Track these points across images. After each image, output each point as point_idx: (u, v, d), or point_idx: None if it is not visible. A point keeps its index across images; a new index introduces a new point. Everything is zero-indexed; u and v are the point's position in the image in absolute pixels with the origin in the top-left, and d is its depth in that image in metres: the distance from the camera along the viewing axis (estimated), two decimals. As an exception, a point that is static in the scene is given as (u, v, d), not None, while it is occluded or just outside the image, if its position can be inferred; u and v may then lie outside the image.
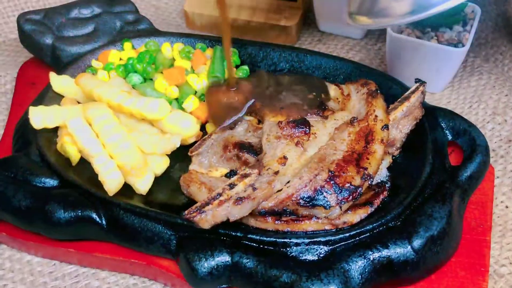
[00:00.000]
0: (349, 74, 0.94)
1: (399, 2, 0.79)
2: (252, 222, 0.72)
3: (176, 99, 0.92)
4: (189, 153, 0.82)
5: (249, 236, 0.70)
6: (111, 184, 0.76)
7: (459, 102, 1.01)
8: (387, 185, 0.78)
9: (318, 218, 0.71)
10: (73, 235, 0.76)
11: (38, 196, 0.76)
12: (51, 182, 0.78)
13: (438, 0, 0.77)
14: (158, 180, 0.81)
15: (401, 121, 0.83)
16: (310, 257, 0.69)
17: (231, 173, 0.80)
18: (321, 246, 0.69)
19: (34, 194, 0.76)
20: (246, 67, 0.96)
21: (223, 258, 0.68)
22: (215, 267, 0.68)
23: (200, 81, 0.92)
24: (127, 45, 0.98)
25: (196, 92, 0.92)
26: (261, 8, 1.16)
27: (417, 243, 0.68)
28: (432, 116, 0.85)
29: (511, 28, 1.02)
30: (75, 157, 0.81)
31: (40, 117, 0.82)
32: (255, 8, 1.16)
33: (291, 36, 1.15)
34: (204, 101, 0.91)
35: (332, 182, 0.71)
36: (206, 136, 0.84)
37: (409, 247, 0.68)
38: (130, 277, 0.78)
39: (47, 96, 0.90)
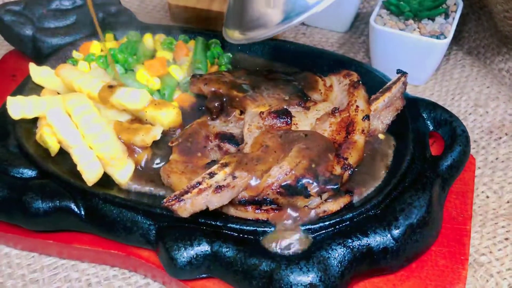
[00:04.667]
0: (332, 66, 0.94)
1: (271, 10, 0.69)
2: (232, 211, 0.72)
3: (158, 90, 0.91)
4: (169, 144, 0.82)
5: (229, 225, 0.69)
6: (90, 174, 0.75)
7: (442, 94, 1.01)
8: (368, 175, 0.78)
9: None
10: (52, 226, 0.75)
11: (15, 187, 0.75)
12: (29, 172, 0.77)
13: (313, 2, 0.68)
14: (138, 170, 0.80)
15: (382, 112, 0.83)
16: (290, 245, 0.68)
17: (212, 164, 0.80)
18: (301, 235, 0.68)
19: (11, 185, 0.75)
20: (229, 54, 0.96)
21: (203, 247, 0.68)
22: (195, 256, 0.68)
23: (182, 72, 0.91)
24: (108, 36, 0.97)
25: (178, 83, 0.92)
26: None
27: (396, 231, 0.68)
28: (413, 107, 0.85)
29: (493, 21, 1.03)
30: (54, 148, 0.80)
31: (18, 107, 0.81)
32: None
33: (275, 29, 1.14)
34: (186, 91, 0.90)
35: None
36: (187, 126, 0.83)
37: (389, 235, 0.68)
38: (110, 269, 0.77)
39: (27, 88, 0.89)
